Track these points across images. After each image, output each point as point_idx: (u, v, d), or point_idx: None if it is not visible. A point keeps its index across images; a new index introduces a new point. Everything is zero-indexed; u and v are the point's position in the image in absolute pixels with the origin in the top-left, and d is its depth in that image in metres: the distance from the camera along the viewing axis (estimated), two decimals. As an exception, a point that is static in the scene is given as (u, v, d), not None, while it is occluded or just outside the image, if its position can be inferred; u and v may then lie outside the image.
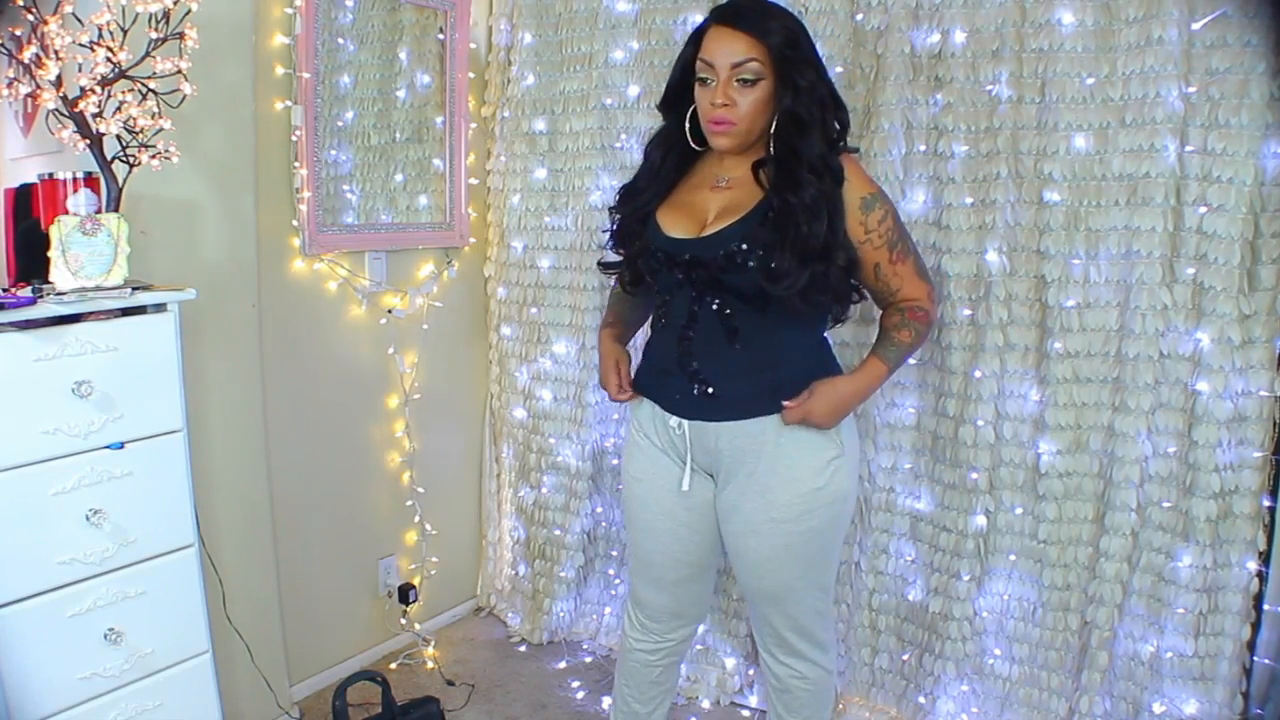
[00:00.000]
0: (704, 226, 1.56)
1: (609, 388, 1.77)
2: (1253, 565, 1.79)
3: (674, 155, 1.65)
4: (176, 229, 1.90)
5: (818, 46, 2.07)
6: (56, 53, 1.42)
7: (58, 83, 1.44)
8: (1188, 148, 1.76)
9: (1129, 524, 1.88)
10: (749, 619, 1.97)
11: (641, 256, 1.63)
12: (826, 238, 1.47)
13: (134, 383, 1.53)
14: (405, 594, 2.58)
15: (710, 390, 1.58)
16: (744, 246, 1.49)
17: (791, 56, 1.47)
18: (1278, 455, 1.78)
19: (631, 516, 1.78)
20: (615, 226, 1.72)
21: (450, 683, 2.46)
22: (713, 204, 1.58)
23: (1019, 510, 2.00)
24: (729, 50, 1.47)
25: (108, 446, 1.50)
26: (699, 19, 2.26)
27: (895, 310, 1.60)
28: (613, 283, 1.85)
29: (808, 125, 1.49)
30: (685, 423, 1.62)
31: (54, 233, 1.44)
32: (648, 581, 1.79)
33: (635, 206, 1.67)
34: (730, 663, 2.42)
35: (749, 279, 1.50)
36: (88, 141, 1.49)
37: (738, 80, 1.48)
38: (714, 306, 1.55)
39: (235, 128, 2.00)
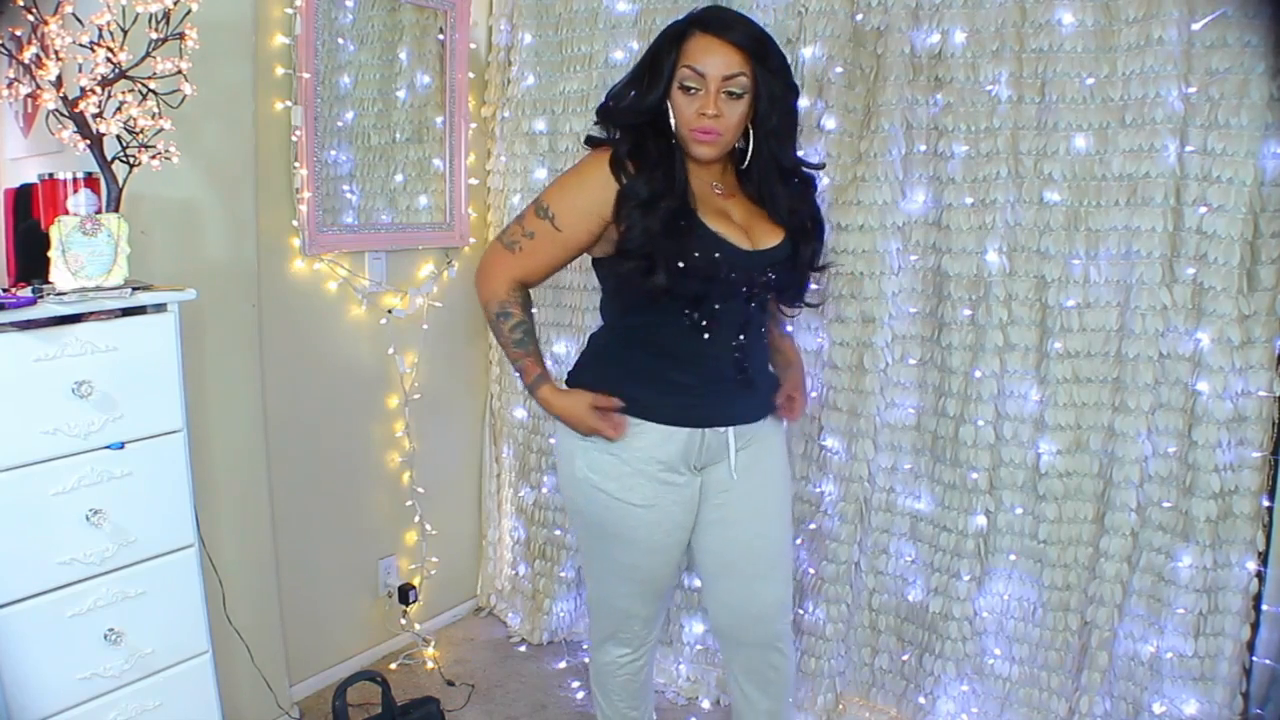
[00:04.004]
0: (747, 235, 1.57)
1: (609, 430, 1.59)
2: (1252, 565, 1.79)
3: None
4: (176, 229, 1.91)
5: (817, 47, 2.10)
6: (57, 53, 1.42)
7: (58, 83, 1.44)
8: (1188, 148, 1.76)
9: (1129, 524, 1.88)
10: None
11: (701, 267, 1.50)
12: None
13: (134, 383, 1.52)
14: (405, 594, 2.58)
15: (756, 389, 1.65)
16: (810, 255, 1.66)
17: (771, 70, 1.52)
18: (1277, 455, 1.78)
19: (632, 541, 1.66)
20: (658, 238, 1.50)
21: (450, 683, 2.46)
22: (733, 211, 1.60)
23: (1019, 510, 2.00)
24: (721, 62, 1.48)
25: (108, 446, 1.49)
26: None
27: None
28: (515, 323, 1.62)
29: (785, 137, 1.58)
30: (731, 429, 1.63)
31: (54, 233, 1.44)
32: (645, 599, 1.74)
33: (672, 213, 1.50)
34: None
35: (803, 283, 1.68)
36: (88, 142, 1.49)
37: (725, 92, 1.49)
38: (754, 309, 1.61)
39: (235, 128, 2.00)
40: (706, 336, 1.56)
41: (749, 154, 1.59)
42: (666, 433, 1.59)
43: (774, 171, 1.60)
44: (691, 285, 1.51)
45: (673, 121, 1.53)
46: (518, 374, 1.67)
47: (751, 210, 1.62)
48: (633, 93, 1.56)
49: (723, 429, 1.63)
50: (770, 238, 1.59)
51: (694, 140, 1.52)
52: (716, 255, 1.51)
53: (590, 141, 1.63)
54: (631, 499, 1.62)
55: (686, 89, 1.50)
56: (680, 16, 2.25)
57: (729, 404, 1.63)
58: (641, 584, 1.72)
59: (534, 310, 1.67)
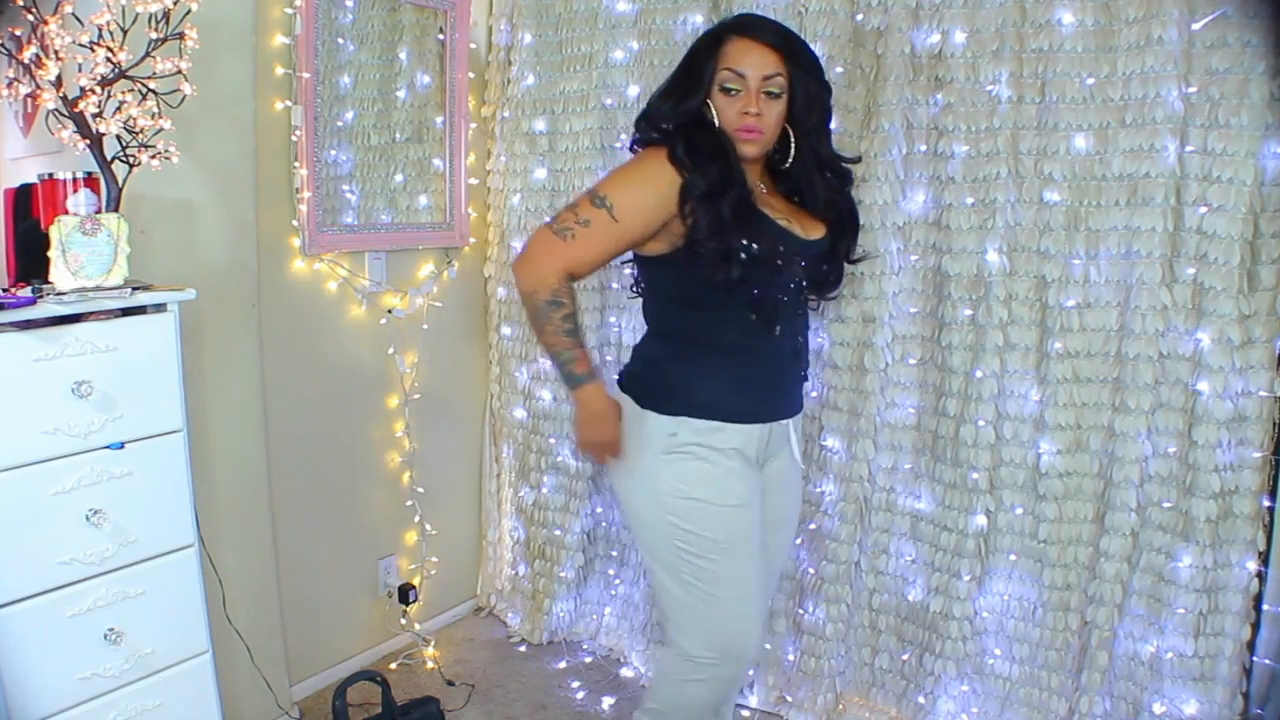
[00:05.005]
0: (800, 227, 1.63)
1: (618, 448, 1.61)
2: (1252, 565, 1.79)
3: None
4: (176, 229, 1.90)
5: (817, 47, 2.10)
6: (56, 53, 1.42)
7: (58, 83, 1.44)
8: (1188, 148, 1.76)
9: (1129, 524, 1.88)
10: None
11: (770, 256, 1.54)
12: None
13: (134, 383, 1.53)
14: (405, 594, 2.58)
15: (803, 379, 1.74)
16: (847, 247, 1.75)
17: (805, 69, 1.59)
18: (1278, 455, 1.78)
19: (741, 546, 1.61)
20: (729, 228, 1.51)
21: (450, 683, 2.46)
22: (777, 207, 1.64)
23: (1019, 510, 2.00)
24: (759, 63, 1.55)
25: (108, 446, 1.49)
26: (699, 19, 2.28)
27: None
28: (567, 313, 1.55)
29: (822, 133, 1.65)
30: (790, 421, 1.71)
31: (54, 233, 1.44)
32: (761, 609, 1.70)
33: (738, 203, 1.53)
34: None
35: (840, 275, 1.77)
36: (88, 141, 1.49)
37: (764, 93, 1.56)
38: (804, 301, 1.70)
39: (235, 128, 2.00)
40: (772, 330, 1.60)
41: (791, 152, 1.65)
42: (745, 430, 1.61)
43: (814, 166, 1.67)
44: (761, 275, 1.54)
45: (716, 122, 1.57)
46: (560, 365, 1.59)
47: (791, 208, 1.67)
48: (671, 100, 1.61)
49: (785, 420, 1.68)
50: (816, 230, 1.66)
51: (738, 139, 1.57)
52: (780, 245, 1.57)
53: (637, 144, 1.66)
54: (728, 500, 1.59)
55: (727, 91, 1.57)
56: (678, 16, 2.31)
57: (789, 395, 1.70)
58: (757, 595, 1.66)
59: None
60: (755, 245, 1.51)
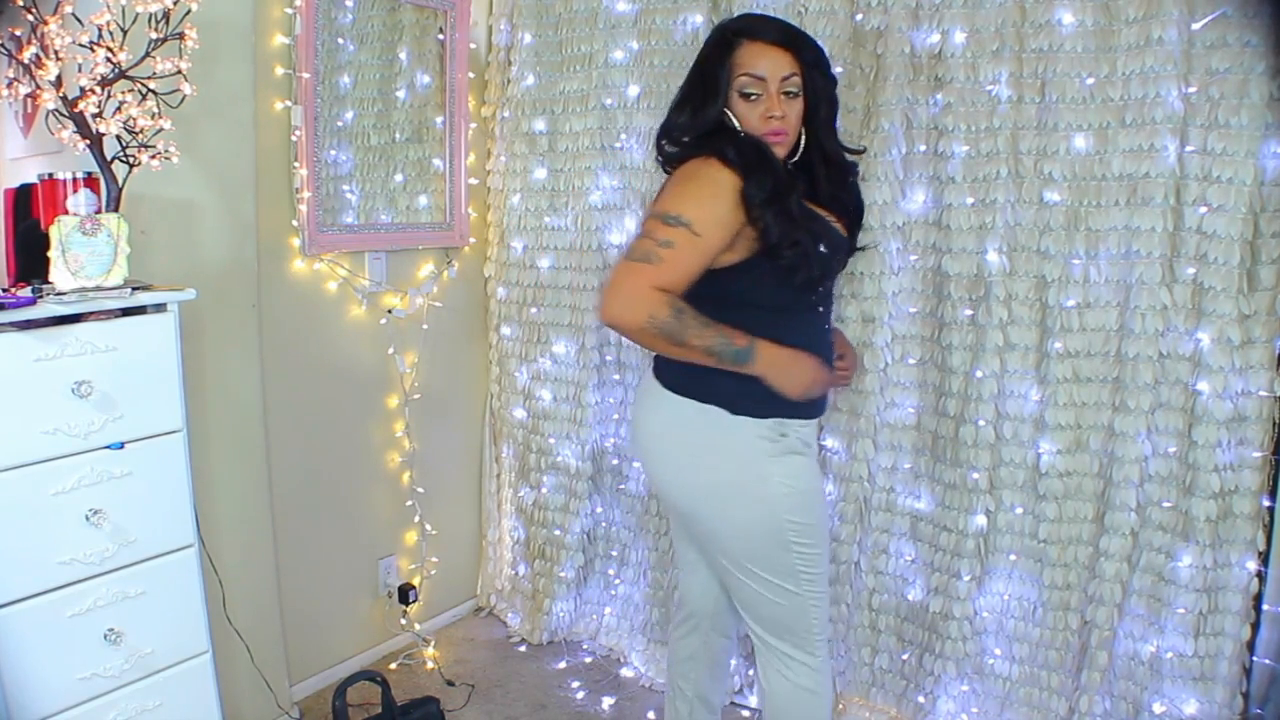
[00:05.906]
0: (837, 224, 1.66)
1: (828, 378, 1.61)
2: (1252, 565, 1.79)
3: None
4: (176, 229, 1.90)
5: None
6: (56, 53, 1.42)
7: (58, 83, 1.44)
8: (1188, 148, 1.76)
9: (1129, 524, 1.88)
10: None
11: (833, 252, 1.58)
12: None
13: (134, 383, 1.53)
14: (405, 594, 2.58)
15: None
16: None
17: (812, 64, 1.58)
18: (1278, 455, 1.78)
19: (825, 524, 1.65)
20: (800, 227, 1.51)
21: (450, 683, 2.46)
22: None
23: (1019, 510, 2.00)
24: (775, 65, 1.54)
25: (108, 446, 1.49)
26: (699, 19, 2.28)
27: None
28: (692, 311, 1.46)
29: (830, 127, 1.65)
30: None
31: (54, 233, 1.44)
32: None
33: (801, 203, 1.54)
34: (730, 663, 2.41)
35: (844, 266, 1.76)
36: (88, 141, 1.50)
37: (783, 93, 1.55)
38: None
39: (235, 128, 2.00)
40: (822, 323, 1.65)
41: (800, 147, 1.64)
42: (814, 424, 1.67)
43: (820, 161, 1.66)
44: (830, 270, 1.59)
45: (738, 128, 1.56)
46: (723, 358, 1.48)
47: (816, 205, 1.66)
48: (689, 109, 1.59)
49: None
50: (841, 227, 1.67)
51: (765, 142, 1.56)
52: (834, 241, 1.59)
53: (672, 158, 1.61)
54: (808, 487, 1.61)
55: (747, 96, 1.55)
56: (678, 16, 2.31)
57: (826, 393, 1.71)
58: (826, 578, 1.69)
59: None
60: (823, 246, 1.54)
